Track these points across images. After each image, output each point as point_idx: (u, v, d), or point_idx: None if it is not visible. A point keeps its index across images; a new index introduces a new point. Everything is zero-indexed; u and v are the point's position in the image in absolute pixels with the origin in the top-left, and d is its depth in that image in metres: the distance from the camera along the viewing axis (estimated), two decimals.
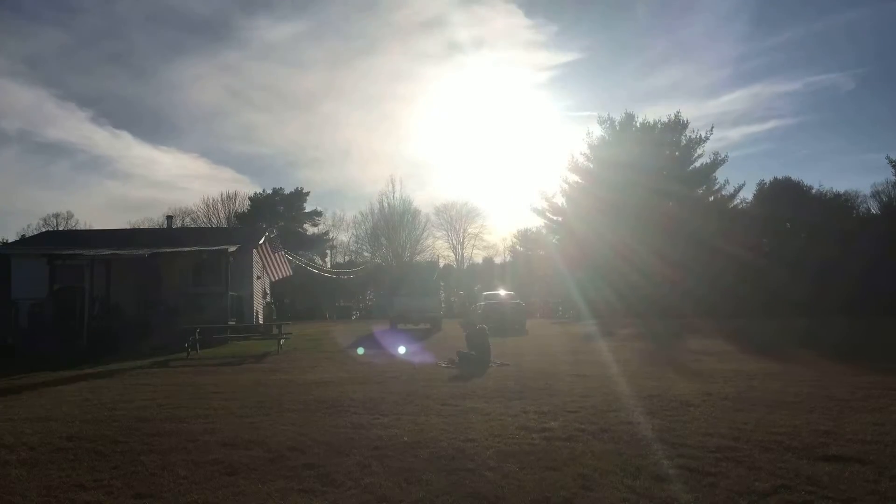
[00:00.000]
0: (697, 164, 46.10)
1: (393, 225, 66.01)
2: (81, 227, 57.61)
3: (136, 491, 4.33)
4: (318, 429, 6.19)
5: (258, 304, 25.72)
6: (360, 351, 17.93)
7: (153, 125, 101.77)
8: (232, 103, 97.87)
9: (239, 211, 66.15)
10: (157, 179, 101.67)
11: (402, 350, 16.81)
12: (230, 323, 20.13)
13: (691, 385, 8.97)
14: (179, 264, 21.39)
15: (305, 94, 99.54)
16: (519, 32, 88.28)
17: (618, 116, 47.79)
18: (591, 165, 47.64)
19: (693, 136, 46.12)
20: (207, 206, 65.79)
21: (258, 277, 25.84)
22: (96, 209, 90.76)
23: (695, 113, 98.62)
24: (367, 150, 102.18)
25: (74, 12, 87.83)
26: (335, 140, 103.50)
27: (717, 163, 45.46)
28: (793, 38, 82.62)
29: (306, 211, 69.31)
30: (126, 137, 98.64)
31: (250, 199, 67.46)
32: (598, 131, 48.04)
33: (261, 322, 24.95)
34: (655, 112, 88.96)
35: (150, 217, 62.14)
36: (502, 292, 29.37)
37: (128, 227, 49.60)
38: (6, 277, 21.15)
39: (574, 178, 48.65)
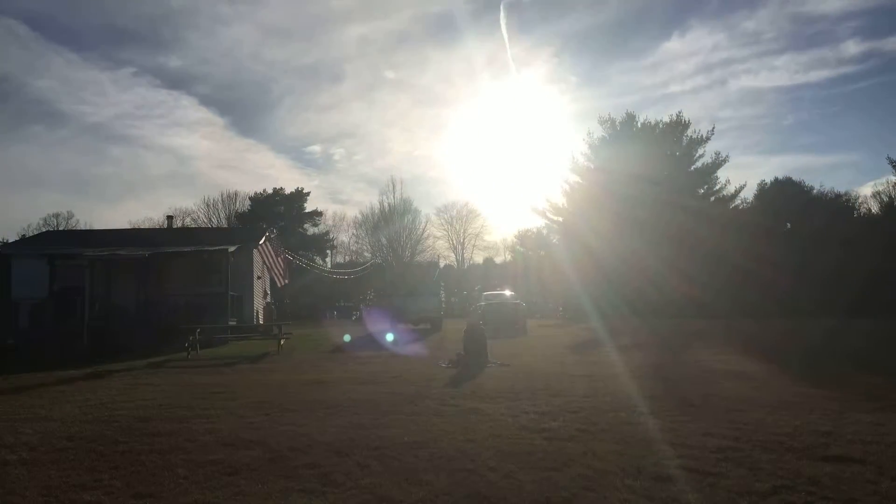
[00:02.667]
0: (699, 163, 46.16)
1: (393, 225, 66.15)
2: (82, 226, 57.77)
3: (136, 491, 4.33)
4: (318, 429, 6.19)
5: (258, 304, 25.71)
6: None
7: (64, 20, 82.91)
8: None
9: (239, 211, 66.34)
10: (98, 119, 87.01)
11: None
12: (230, 323, 20.12)
13: (692, 385, 8.96)
14: (179, 264, 21.37)
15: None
16: None
17: (618, 117, 47.90)
18: (592, 166, 47.67)
19: (694, 136, 46.21)
20: (208, 206, 66.21)
21: (258, 277, 25.83)
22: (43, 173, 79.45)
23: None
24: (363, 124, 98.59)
25: None
26: (322, 74, 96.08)
27: (717, 163, 45.53)
28: None
29: (307, 211, 69.41)
30: (21, 32, 78.23)
31: (250, 199, 67.71)
32: (598, 131, 48.14)
33: (261, 322, 24.95)
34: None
35: (151, 217, 62.29)
36: (503, 292, 29.38)
37: (128, 226, 49.73)
38: (6, 277, 21.14)
39: (574, 178, 48.73)
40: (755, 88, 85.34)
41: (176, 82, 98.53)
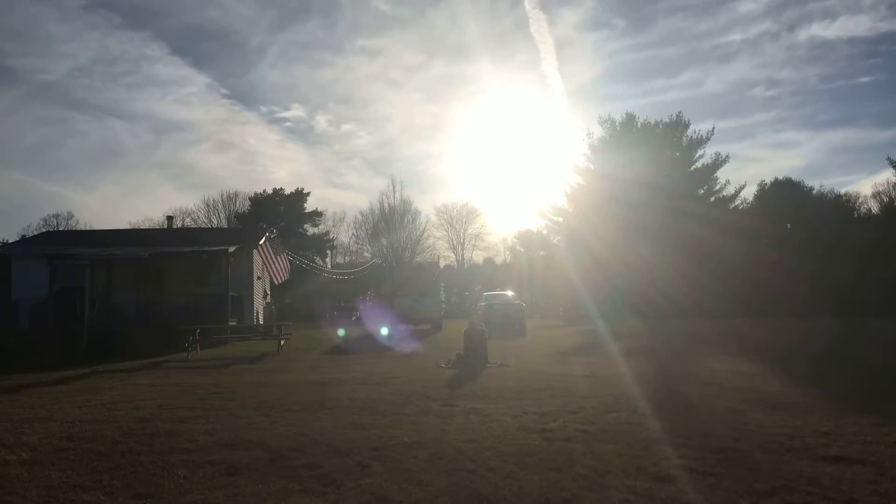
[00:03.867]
0: (699, 164, 46.24)
1: (393, 225, 66.22)
2: (82, 227, 57.79)
3: (135, 491, 4.32)
4: (318, 429, 6.18)
5: (258, 305, 25.72)
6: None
7: None
8: None
9: (239, 211, 66.43)
10: (52, 77, 73.89)
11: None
12: (230, 323, 20.12)
13: (692, 386, 8.96)
14: (179, 264, 21.38)
15: None
16: None
17: (618, 117, 47.93)
18: (592, 166, 47.79)
19: (694, 136, 46.28)
20: (208, 206, 66.47)
21: (258, 277, 25.84)
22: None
23: None
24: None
25: None
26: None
27: (717, 163, 45.62)
28: None
29: (307, 211, 69.44)
30: None
31: (250, 199, 67.81)
32: (598, 132, 48.19)
33: (261, 322, 24.95)
34: None
35: (151, 217, 62.29)
36: (503, 293, 29.39)
37: (128, 227, 49.77)
38: (6, 277, 21.16)
39: (575, 178, 48.85)
40: (827, 40, 75.95)
41: (136, 21, 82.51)
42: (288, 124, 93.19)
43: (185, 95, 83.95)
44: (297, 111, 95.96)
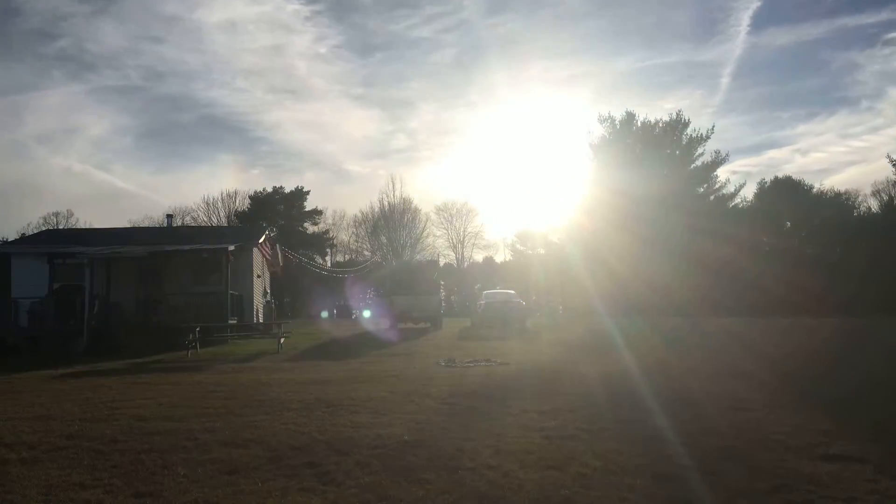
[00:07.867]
0: (698, 162, 46.25)
1: (393, 224, 66.23)
2: (82, 225, 57.76)
3: (135, 490, 4.32)
4: (318, 428, 6.18)
5: (258, 303, 25.71)
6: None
7: None
8: None
9: (239, 210, 66.39)
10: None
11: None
12: (230, 322, 20.11)
13: (692, 384, 8.96)
14: (179, 263, 21.38)
15: None
16: None
17: (618, 115, 47.91)
18: (592, 165, 47.78)
19: (694, 134, 46.30)
20: (207, 204, 66.38)
21: (258, 276, 25.83)
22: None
23: None
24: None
25: None
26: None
27: (717, 162, 45.66)
28: None
29: (307, 210, 69.40)
30: None
31: (250, 197, 67.75)
32: (598, 130, 48.16)
33: (261, 321, 24.95)
34: None
35: (150, 216, 62.18)
36: (503, 291, 29.38)
37: (128, 225, 49.78)
38: (6, 276, 21.14)
39: (576, 177, 48.88)
40: None
41: None
42: None
43: None
44: None
